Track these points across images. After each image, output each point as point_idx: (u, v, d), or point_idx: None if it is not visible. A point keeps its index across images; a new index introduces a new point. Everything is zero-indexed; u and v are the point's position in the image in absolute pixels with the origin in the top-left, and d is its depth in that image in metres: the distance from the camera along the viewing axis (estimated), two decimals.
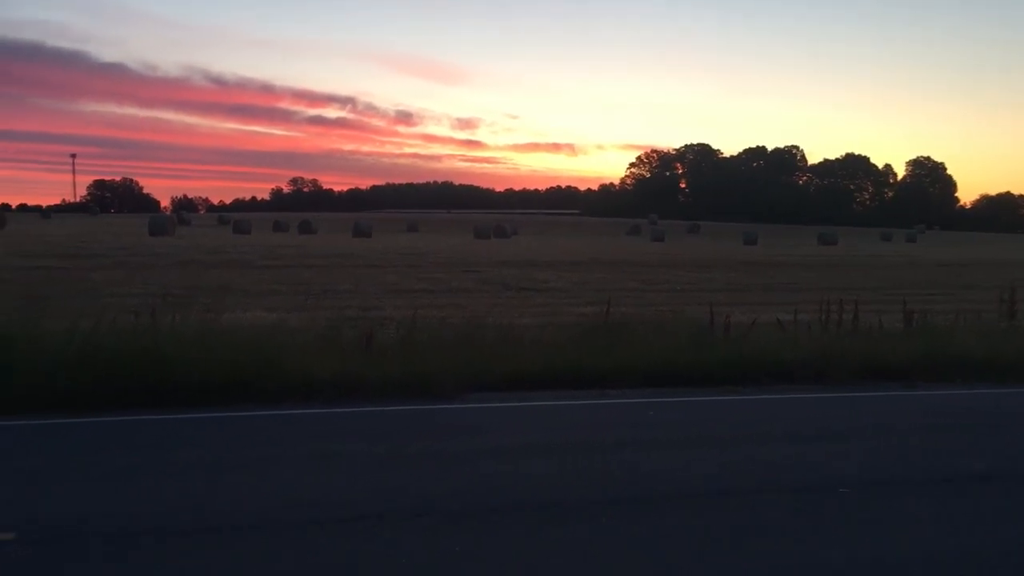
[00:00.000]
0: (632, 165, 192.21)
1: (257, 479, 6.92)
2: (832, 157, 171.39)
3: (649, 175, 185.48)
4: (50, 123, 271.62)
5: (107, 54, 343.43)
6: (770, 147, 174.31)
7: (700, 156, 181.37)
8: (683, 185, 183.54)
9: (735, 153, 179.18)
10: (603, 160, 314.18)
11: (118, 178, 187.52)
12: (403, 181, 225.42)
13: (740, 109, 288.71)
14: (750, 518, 6.14)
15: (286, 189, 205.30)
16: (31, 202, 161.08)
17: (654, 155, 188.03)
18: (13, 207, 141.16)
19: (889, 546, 5.68)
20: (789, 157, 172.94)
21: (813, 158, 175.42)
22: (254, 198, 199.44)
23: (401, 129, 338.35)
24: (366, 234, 65.21)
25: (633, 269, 34.85)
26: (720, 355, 11.71)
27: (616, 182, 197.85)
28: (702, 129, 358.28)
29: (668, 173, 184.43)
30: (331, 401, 9.69)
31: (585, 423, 9.22)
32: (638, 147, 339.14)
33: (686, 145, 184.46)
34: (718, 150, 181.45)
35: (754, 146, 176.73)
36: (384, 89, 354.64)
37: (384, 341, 11.69)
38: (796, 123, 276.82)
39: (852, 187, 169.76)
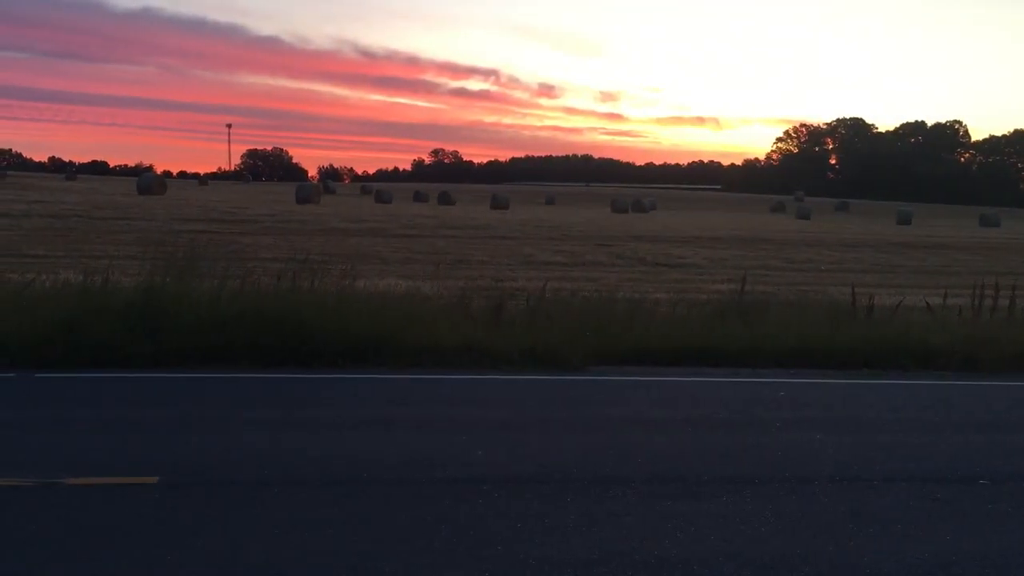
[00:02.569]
0: (779, 140, 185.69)
1: (380, 438, 7.14)
2: (999, 133, 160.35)
3: (796, 150, 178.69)
4: (209, 94, 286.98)
5: (264, 28, 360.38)
6: (930, 122, 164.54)
7: (852, 131, 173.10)
8: (833, 161, 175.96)
9: (891, 128, 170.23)
10: (748, 134, 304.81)
11: (269, 148, 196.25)
12: (543, 154, 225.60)
13: (898, 82, 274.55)
14: (871, 505, 5.87)
15: (427, 160, 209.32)
16: (190, 170, 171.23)
17: (803, 129, 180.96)
18: (174, 174, 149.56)
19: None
20: (950, 133, 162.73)
21: (977, 134, 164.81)
22: (396, 168, 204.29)
23: (543, 101, 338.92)
24: (503, 206, 65.81)
25: (775, 247, 33.79)
26: (860, 337, 11.20)
27: (761, 157, 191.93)
28: (855, 103, 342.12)
29: (817, 148, 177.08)
30: (459, 368, 9.86)
31: (712, 400, 9.03)
32: (786, 121, 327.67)
33: (838, 119, 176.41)
34: (872, 125, 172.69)
35: (912, 121, 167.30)
36: (527, 61, 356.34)
37: (513, 312, 11.79)
38: (959, 96, 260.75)
39: (1020, 166, 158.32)
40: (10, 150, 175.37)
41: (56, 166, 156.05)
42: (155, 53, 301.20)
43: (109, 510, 5.37)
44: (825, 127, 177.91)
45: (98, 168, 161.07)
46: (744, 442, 7.38)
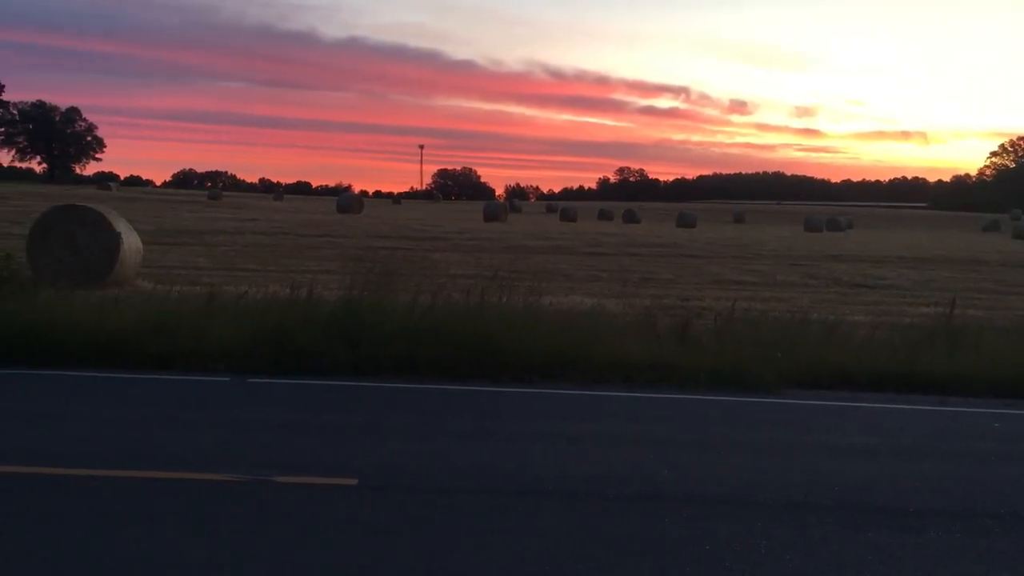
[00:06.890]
0: (993, 154, 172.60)
1: (565, 452, 7.19)
2: None
3: (1014, 165, 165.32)
4: (405, 117, 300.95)
5: (459, 52, 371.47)
6: None
7: None
8: None
9: None
10: (958, 149, 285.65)
11: (459, 168, 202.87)
12: (732, 171, 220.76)
13: None
14: None
15: (613, 179, 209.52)
16: (384, 189, 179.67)
17: (1021, 143, 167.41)
18: (370, 194, 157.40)
19: None
20: None
21: None
22: (581, 187, 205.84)
23: (734, 118, 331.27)
24: (690, 224, 64.75)
25: (988, 269, 31.32)
26: None
27: (972, 173, 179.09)
28: None
29: None
30: (644, 386, 9.78)
31: (917, 429, 8.50)
32: (1002, 134, 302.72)
33: None
34: None
35: None
36: (718, 78, 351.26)
37: (700, 331, 11.56)
38: None
39: None
40: (226, 172, 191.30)
41: (265, 186, 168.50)
42: (358, 79, 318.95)
43: (315, 507, 5.68)
44: None
45: (302, 188, 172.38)
46: (955, 474, 6.89)
